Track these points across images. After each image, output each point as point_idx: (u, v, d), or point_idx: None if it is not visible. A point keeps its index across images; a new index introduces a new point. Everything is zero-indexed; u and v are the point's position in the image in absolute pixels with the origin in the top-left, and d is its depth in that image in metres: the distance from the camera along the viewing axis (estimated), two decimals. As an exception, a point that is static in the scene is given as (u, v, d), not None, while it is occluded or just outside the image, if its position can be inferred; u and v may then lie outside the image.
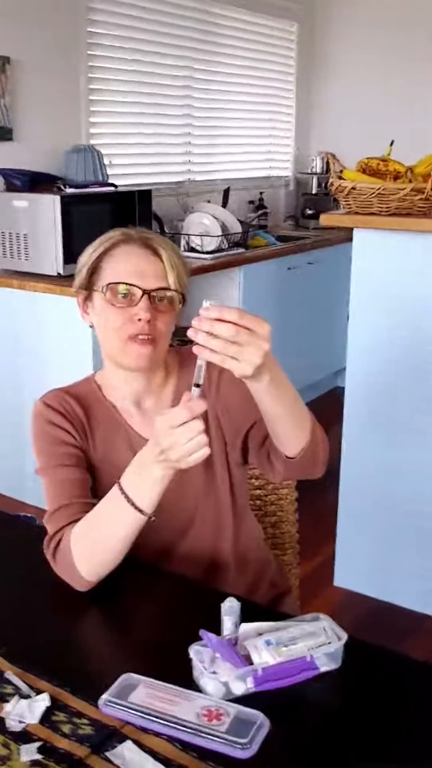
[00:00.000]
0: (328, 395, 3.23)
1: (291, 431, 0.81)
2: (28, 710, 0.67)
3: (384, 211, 1.62)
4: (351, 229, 1.77)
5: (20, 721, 0.67)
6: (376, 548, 1.85)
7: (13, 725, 0.66)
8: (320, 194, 3.44)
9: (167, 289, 0.89)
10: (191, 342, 0.69)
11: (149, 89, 2.78)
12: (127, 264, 0.89)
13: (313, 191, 3.48)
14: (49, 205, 2.05)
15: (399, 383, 1.75)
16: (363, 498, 1.84)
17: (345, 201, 1.68)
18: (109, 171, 2.49)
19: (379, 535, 1.84)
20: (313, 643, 0.71)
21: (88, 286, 0.92)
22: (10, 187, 2.22)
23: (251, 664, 0.70)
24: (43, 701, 0.68)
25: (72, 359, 2.06)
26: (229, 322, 0.66)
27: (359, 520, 1.86)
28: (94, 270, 0.91)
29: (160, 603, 0.86)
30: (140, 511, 0.81)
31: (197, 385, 0.72)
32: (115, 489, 0.82)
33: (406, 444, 1.76)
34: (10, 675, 0.72)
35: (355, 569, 1.88)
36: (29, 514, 1.21)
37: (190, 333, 0.68)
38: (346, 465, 1.84)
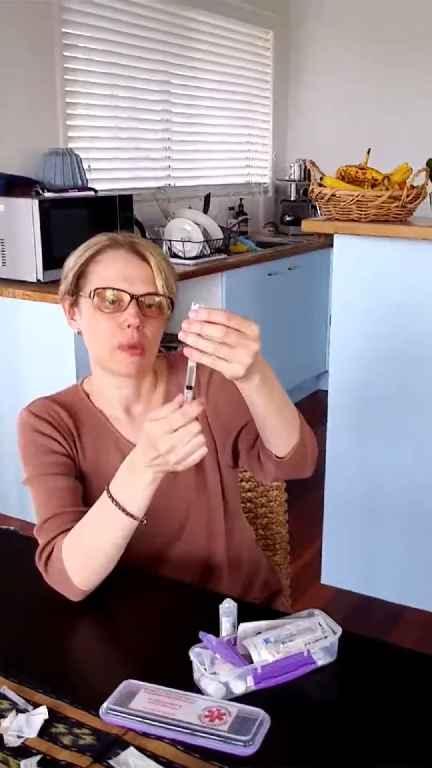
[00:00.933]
0: (311, 398, 3.27)
1: (281, 431, 0.82)
2: (26, 724, 0.66)
3: (363, 218, 1.66)
4: (330, 236, 1.81)
5: (18, 736, 0.65)
6: (360, 546, 1.88)
7: (11, 741, 0.65)
8: (298, 201, 3.48)
9: (156, 294, 0.89)
10: (176, 348, 0.70)
11: (126, 93, 2.79)
12: (114, 269, 0.89)
13: (292, 198, 3.52)
14: (27, 210, 2.02)
15: (381, 385, 1.79)
16: (347, 498, 1.87)
17: (325, 208, 1.71)
18: (88, 176, 2.48)
19: (362, 533, 1.87)
20: (310, 638, 0.72)
21: (75, 292, 0.91)
22: (-15, 191, 2.19)
23: (251, 662, 0.70)
24: (40, 714, 0.67)
25: (53, 367, 2.04)
26: (219, 323, 0.67)
27: (344, 520, 1.88)
28: (80, 275, 0.90)
29: (155, 608, 0.87)
30: (131, 515, 0.81)
31: (189, 387, 0.73)
32: (104, 496, 0.82)
33: (388, 445, 1.80)
34: (5, 690, 0.71)
35: (340, 567, 1.91)
36: (12, 527, 1.19)
37: (180, 335, 0.68)
38: (330, 466, 1.86)
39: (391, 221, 1.65)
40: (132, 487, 0.80)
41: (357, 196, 1.62)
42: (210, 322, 0.67)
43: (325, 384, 1.88)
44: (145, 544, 0.90)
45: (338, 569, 1.91)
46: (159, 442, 0.75)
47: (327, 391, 1.87)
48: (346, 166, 1.72)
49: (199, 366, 0.70)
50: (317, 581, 1.92)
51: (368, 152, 1.77)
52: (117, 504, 0.81)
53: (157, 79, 2.91)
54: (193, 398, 0.74)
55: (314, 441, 0.88)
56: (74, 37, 2.53)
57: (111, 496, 0.81)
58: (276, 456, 0.85)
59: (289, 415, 0.82)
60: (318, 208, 1.76)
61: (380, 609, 1.82)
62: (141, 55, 2.81)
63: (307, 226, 1.78)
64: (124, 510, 0.80)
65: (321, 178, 1.71)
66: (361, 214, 1.65)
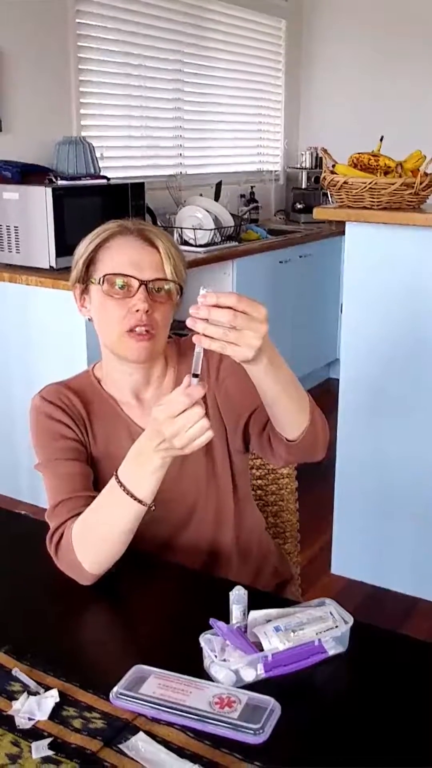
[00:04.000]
0: (322, 386, 3.26)
1: (291, 413, 0.81)
2: (37, 707, 0.67)
3: (375, 205, 1.63)
4: (341, 223, 1.79)
5: (29, 718, 0.66)
6: (371, 536, 1.88)
7: (23, 723, 0.66)
8: (310, 188, 3.45)
9: (164, 279, 0.89)
10: (186, 334, 0.69)
11: (139, 82, 2.77)
12: (123, 255, 0.89)
13: (303, 186, 3.49)
14: (41, 198, 2.03)
15: (393, 374, 1.77)
16: (358, 487, 1.86)
17: (337, 195, 1.68)
18: (101, 164, 2.47)
19: (373, 523, 1.87)
20: (321, 628, 0.72)
21: (85, 279, 0.91)
22: (0, 179, 2.19)
23: (261, 650, 0.70)
24: (51, 697, 0.68)
25: (65, 353, 2.05)
26: (227, 307, 0.66)
27: (355, 509, 1.88)
28: (90, 262, 0.91)
29: (165, 594, 0.87)
30: (139, 501, 0.80)
31: (195, 375, 0.72)
32: (112, 481, 0.82)
33: (399, 433, 1.79)
34: (17, 672, 0.71)
35: (351, 557, 1.90)
36: (23, 512, 1.20)
37: (188, 322, 0.67)
38: (341, 455, 1.86)
39: (404, 209, 1.63)
40: (140, 473, 0.80)
41: (370, 184, 1.59)
42: (218, 306, 0.66)
43: (337, 372, 1.87)
44: (154, 531, 0.90)
45: (349, 559, 1.90)
46: (163, 427, 0.75)
47: (338, 380, 1.86)
48: (359, 153, 1.69)
49: (208, 351, 0.69)
50: (328, 571, 1.91)
51: (381, 139, 1.73)
52: (125, 489, 0.81)
53: (169, 68, 2.89)
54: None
55: (326, 424, 0.88)
56: (88, 27, 2.52)
57: (119, 482, 0.81)
58: (287, 439, 0.84)
59: (299, 397, 0.81)
60: (330, 195, 1.73)
61: (393, 600, 1.81)
62: (154, 44, 2.79)
63: (318, 213, 1.76)
64: (132, 495, 0.80)
65: (333, 166, 1.69)
66: (373, 202, 1.63)
